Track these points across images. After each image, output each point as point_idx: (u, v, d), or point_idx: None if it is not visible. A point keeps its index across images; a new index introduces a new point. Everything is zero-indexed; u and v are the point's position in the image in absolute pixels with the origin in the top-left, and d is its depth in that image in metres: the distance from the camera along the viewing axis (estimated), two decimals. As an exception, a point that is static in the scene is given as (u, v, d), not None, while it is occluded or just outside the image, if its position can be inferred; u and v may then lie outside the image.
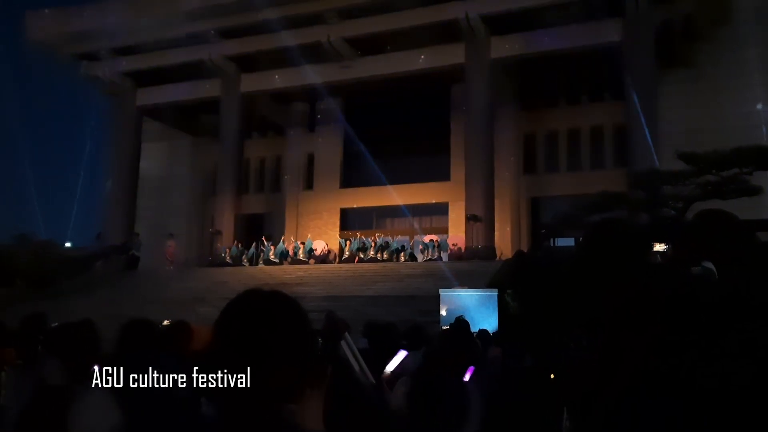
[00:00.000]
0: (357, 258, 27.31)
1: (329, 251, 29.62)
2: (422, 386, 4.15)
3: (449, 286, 17.94)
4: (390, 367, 5.19)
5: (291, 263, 27.67)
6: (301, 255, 28.14)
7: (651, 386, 1.63)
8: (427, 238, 28.01)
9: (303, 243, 29.16)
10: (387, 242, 27.44)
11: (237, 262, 28.49)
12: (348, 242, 28.57)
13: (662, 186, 20.25)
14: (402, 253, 27.03)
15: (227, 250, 29.07)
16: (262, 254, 28.81)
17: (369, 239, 27.89)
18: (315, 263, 27.49)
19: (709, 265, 2.25)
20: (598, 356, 1.80)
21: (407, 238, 30.99)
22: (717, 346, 1.65)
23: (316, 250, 28.77)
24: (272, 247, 28.88)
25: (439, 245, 26.78)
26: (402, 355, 5.41)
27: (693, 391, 1.60)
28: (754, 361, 1.64)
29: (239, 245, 29.22)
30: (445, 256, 26.47)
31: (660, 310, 1.78)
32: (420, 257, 27.05)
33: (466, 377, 4.75)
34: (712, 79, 26.76)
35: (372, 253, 27.02)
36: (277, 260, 28.14)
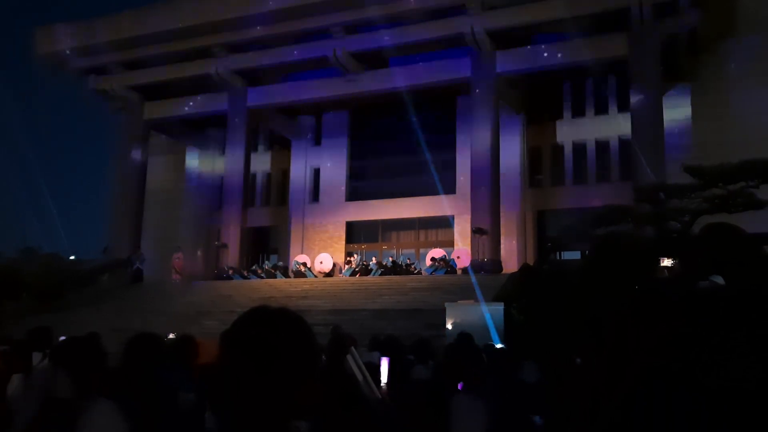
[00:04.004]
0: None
1: (334, 265, 29.68)
2: (428, 399, 4.14)
3: (455, 300, 17.88)
4: (383, 377, 5.16)
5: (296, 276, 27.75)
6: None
7: (668, 381, 1.62)
8: (432, 254, 27.97)
9: (304, 264, 29.33)
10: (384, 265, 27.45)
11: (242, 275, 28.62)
12: (352, 261, 28.77)
13: (668, 199, 20.19)
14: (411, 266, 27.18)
15: (231, 270, 29.21)
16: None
17: (373, 263, 27.95)
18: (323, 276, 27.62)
19: (718, 278, 2.25)
20: (605, 355, 1.80)
21: (413, 251, 31.00)
22: (728, 345, 1.65)
23: (319, 271, 28.96)
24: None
25: (445, 261, 26.75)
26: (385, 362, 5.38)
27: (708, 388, 1.60)
28: (762, 360, 1.64)
29: (246, 273, 29.23)
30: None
31: (671, 306, 1.78)
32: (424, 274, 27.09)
33: (470, 390, 4.73)
34: (717, 92, 26.77)
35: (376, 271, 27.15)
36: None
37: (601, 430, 1.66)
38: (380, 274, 26.57)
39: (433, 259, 27.48)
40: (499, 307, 16.47)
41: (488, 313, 16.14)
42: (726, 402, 1.59)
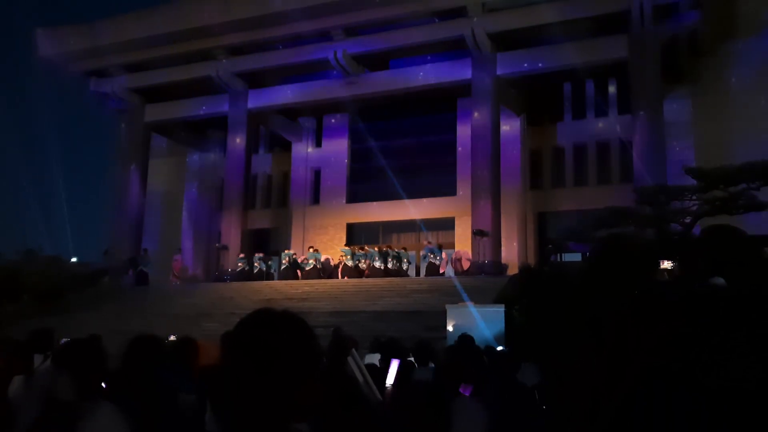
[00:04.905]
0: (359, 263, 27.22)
1: (336, 264, 29.53)
2: (428, 401, 4.13)
3: (455, 302, 17.86)
4: (390, 380, 5.17)
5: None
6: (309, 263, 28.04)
7: (668, 381, 1.63)
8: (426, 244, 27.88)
9: (312, 247, 29.14)
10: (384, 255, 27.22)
11: (249, 272, 28.49)
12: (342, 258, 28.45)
13: (669, 201, 20.20)
14: (405, 260, 27.06)
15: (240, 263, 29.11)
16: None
17: (373, 250, 27.69)
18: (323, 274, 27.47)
19: (719, 281, 2.25)
20: (605, 355, 1.80)
21: (413, 252, 30.97)
22: (728, 345, 1.65)
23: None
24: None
25: (440, 247, 26.75)
26: (395, 364, 5.39)
27: (708, 388, 1.60)
28: (762, 360, 1.64)
29: (263, 258, 29.15)
30: (450, 270, 26.35)
31: (671, 306, 1.78)
32: (423, 266, 26.93)
33: (471, 393, 4.73)
34: (718, 93, 26.76)
35: (377, 262, 26.87)
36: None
37: (601, 430, 1.66)
38: (379, 260, 26.37)
39: (429, 242, 27.43)
40: (501, 309, 16.45)
41: (478, 315, 16.13)
42: (726, 402, 1.59)
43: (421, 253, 27.23)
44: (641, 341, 1.69)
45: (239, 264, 28.98)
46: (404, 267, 27.09)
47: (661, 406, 1.60)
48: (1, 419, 3.22)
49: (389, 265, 26.48)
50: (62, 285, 26.11)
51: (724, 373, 1.63)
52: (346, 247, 28.97)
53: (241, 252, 29.63)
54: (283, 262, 28.48)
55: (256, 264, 28.73)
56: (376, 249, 27.57)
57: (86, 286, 27.51)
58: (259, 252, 29.79)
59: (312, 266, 27.66)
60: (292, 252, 29.42)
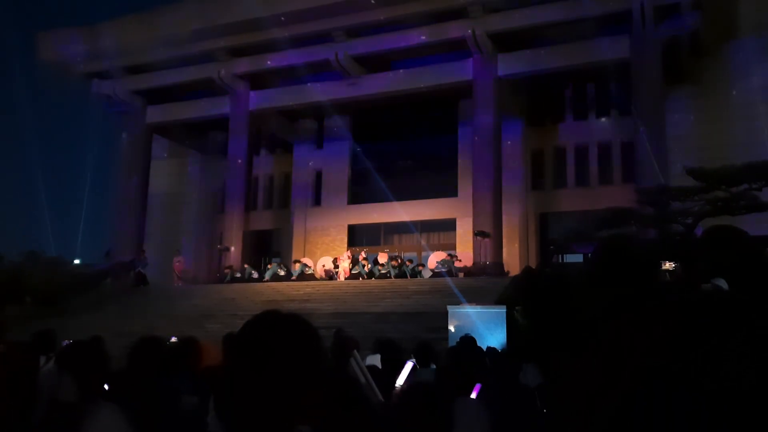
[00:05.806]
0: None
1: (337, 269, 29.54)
2: (429, 402, 4.14)
3: (457, 303, 17.84)
4: (400, 380, 5.18)
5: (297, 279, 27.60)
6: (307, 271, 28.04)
7: (668, 381, 1.62)
8: (435, 257, 27.75)
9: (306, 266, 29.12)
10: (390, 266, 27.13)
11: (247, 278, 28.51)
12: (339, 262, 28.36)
13: (671, 202, 20.18)
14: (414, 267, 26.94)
15: (233, 269, 29.14)
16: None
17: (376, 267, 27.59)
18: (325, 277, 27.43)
19: (721, 282, 2.25)
20: (605, 356, 1.80)
21: (415, 254, 30.96)
22: (728, 345, 1.64)
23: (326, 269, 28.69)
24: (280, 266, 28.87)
25: (451, 259, 26.59)
26: (409, 366, 5.41)
27: (708, 388, 1.60)
28: (762, 360, 1.64)
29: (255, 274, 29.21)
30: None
31: (670, 306, 1.78)
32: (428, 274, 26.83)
33: (474, 395, 4.73)
34: (719, 94, 26.76)
35: (382, 269, 26.81)
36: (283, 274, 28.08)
37: (601, 430, 1.66)
38: (389, 274, 26.25)
39: (450, 254, 27.24)
40: (502, 310, 16.43)
41: (491, 316, 16.11)
42: (726, 402, 1.60)
43: (438, 266, 26.70)
44: (641, 342, 1.69)
45: (226, 271, 29.06)
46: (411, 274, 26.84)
47: (661, 406, 1.60)
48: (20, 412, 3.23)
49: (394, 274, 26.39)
50: (64, 287, 26.13)
51: (723, 374, 1.64)
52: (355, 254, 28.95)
53: (228, 261, 29.66)
54: (269, 267, 28.59)
55: (253, 273, 28.79)
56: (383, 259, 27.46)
57: (88, 287, 27.53)
58: (258, 256, 29.91)
59: (299, 273, 27.66)
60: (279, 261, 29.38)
